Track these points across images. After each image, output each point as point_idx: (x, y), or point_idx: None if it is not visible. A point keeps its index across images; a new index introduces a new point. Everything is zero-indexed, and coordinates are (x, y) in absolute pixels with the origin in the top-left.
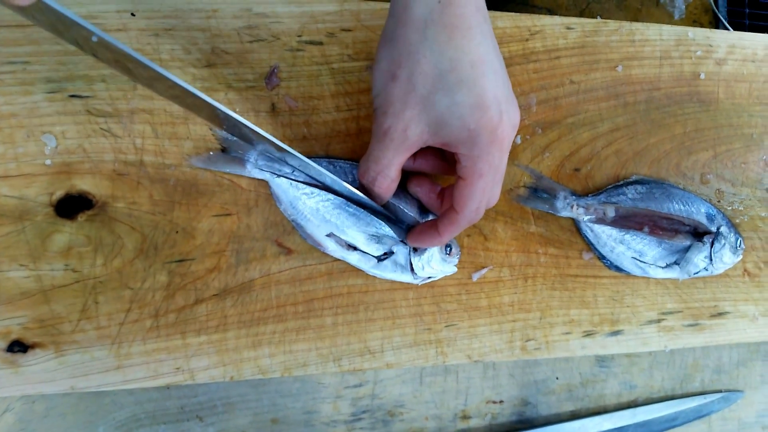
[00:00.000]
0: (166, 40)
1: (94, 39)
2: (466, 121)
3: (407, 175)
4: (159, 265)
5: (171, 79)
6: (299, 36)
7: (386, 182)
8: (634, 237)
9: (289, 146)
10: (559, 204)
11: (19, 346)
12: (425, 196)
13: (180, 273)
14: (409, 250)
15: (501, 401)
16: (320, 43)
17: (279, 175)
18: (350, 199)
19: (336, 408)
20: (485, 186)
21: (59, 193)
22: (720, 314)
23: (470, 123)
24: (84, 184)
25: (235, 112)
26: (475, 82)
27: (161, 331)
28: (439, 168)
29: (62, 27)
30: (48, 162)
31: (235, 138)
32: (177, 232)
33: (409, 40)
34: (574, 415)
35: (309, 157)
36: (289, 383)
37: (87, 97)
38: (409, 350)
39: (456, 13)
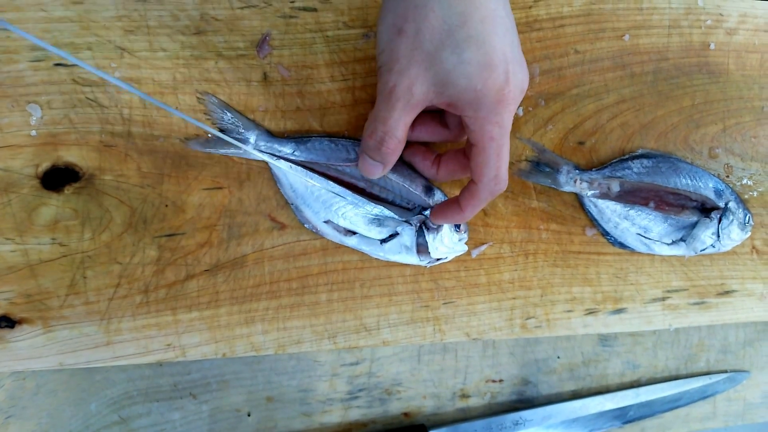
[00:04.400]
0: (153, 6)
1: None
2: (473, 80)
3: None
4: (148, 239)
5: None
6: (292, 2)
7: (393, 142)
8: (640, 212)
9: (284, 118)
10: (562, 178)
11: (6, 322)
12: (420, 164)
13: (170, 248)
14: (416, 231)
15: (501, 380)
16: (314, 10)
17: (279, 157)
18: (347, 184)
19: (332, 386)
20: (499, 149)
21: (45, 165)
22: (727, 292)
23: (477, 83)
24: (70, 155)
25: (226, 81)
26: (485, 40)
27: (151, 307)
28: (438, 134)
29: None
30: (33, 133)
31: (232, 119)
32: (167, 205)
33: None
34: (576, 395)
35: (309, 136)
36: (284, 361)
37: (73, 65)
38: (406, 327)
39: None
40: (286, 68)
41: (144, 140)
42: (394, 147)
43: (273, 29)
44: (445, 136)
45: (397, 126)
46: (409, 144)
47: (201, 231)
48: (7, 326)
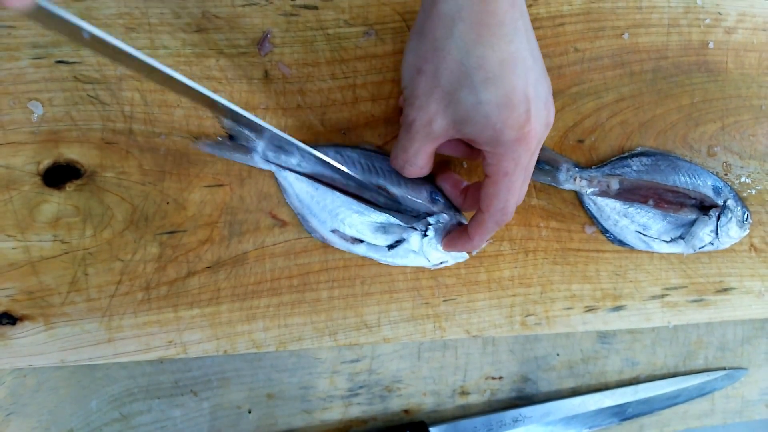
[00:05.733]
0: (155, 3)
1: (86, 36)
2: (492, 119)
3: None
4: (150, 236)
5: (177, 78)
6: (293, 0)
7: (414, 169)
8: (639, 210)
9: (285, 115)
10: (562, 176)
11: (7, 319)
12: (449, 191)
13: (171, 245)
14: (422, 236)
15: (500, 377)
16: (315, 8)
17: (285, 168)
18: (351, 195)
19: (333, 383)
20: (511, 185)
21: (47, 162)
22: (725, 290)
23: (496, 122)
24: (72, 152)
25: (227, 79)
26: (503, 81)
27: (153, 304)
28: (463, 152)
29: (59, 26)
30: (35, 130)
31: (241, 127)
32: (168, 202)
33: (436, 35)
34: (575, 392)
35: (315, 146)
36: (285, 358)
37: (74, 63)
38: (407, 325)
39: (487, 10)
40: (287, 66)
41: (145, 137)
42: (416, 173)
43: (274, 27)
44: (469, 154)
45: (417, 155)
46: (440, 170)
47: (202, 228)
48: (8, 323)
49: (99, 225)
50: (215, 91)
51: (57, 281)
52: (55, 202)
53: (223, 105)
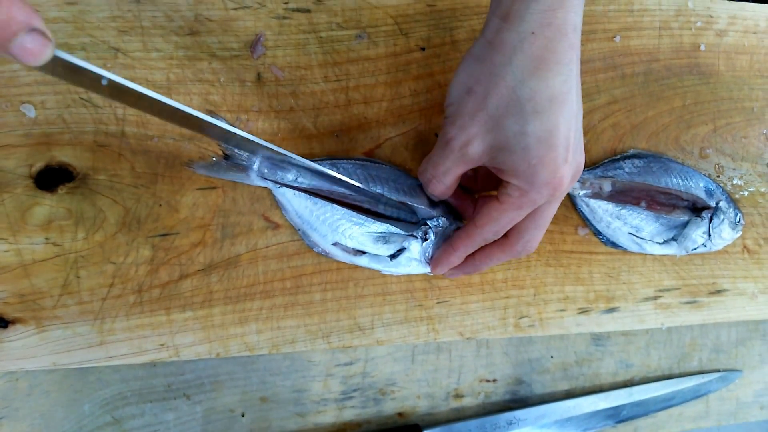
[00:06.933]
0: (147, 6)
1: (104, 82)
2: (530, 153)
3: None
4: (142, 239)
5: (198, 116)
6: (286, 3)
7: (440, 187)
8: (631, 212)
9: (278, 118)
10: None
11: None
12: (460, 205)
13: (164, 247)
14: (422, 242)
15: (494, 380)
16: (308, 11)
17: (282, 184)
18: (351, 206)
19: (326, 386)
20: (515, 217)
21: (39, 165)
22: (718, 291)
23: (533, 156)
24: (64, 155)
25: (220, 81)
26: (550, 118)
27: (145, 307)
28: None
29: (76, 75)
30: (27, 133)
31: (237, 147)
32: (160, 205)
33: (495, 61)
34: (569, 394)
35: (311, 161)
36: (278, 361)
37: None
38: (400, 327)
39: (548, 47)
40: (280, 69)
41: (138, 140)
42: (441, 191)
43: (267, 30)
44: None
45: (446, 174)
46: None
47: (195, 231)
48: (0, 326)
49: (91, 228)
50: (208, 94)
51: (49, 284)
52: (47, 205)
53: (239, 135)
